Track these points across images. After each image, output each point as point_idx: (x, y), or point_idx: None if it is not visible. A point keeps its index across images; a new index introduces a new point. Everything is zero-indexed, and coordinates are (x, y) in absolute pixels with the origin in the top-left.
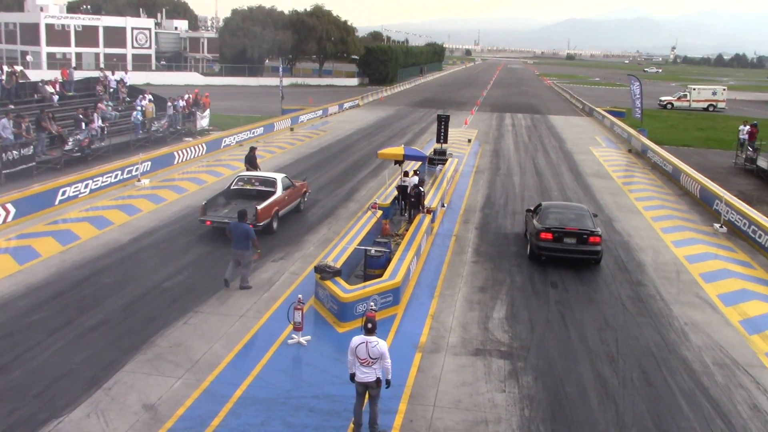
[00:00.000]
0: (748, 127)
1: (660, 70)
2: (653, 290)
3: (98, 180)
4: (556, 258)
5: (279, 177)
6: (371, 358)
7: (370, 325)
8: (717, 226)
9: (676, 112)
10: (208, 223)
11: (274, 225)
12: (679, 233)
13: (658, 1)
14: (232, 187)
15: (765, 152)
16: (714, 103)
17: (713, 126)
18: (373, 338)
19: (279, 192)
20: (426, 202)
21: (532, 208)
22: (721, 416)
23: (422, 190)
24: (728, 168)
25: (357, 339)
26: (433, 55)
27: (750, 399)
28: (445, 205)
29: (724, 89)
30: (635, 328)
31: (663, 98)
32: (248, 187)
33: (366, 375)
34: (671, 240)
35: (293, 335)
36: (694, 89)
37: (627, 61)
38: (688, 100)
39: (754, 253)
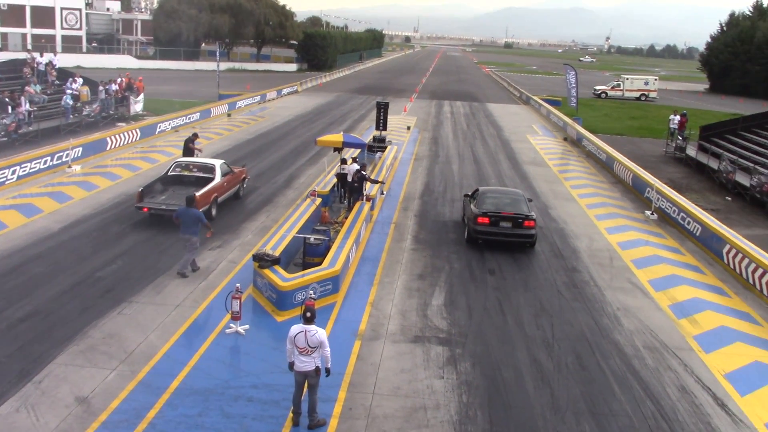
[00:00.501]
0: (678, 116)
1: (594, 60)
2: (587, 276)
3: (26, 166)
4: (492, 241)
5: (217, 163)
6: (310, 346)
7: (309, 314)
8: (648, 213)
9: (610, 101)
10: (145, 210)
11: (213, 212)
12: (613, 220)
13: None
14: (169, 174)
15: (694, 141)
16: (646, 93)
17: (645, 115)
18: (312, 327)
19: (218, 178)
20: (367, 187)
21: (469, 194)
22: (651, 398)
23: (365, 174)
24: (659, 156)
25: (296, 328)
26: (372, 41)
27: (678, 381)
28: (385, 192)
29: (656, 79)
30: (570, 313)
31: (597, 87)
32: (186, 174)
33: (305, 364)
34: (605, 227)
35: (231, 324)
36: (627, 79)
37: (560, 51)
38: (621, 90)
39: (682, 240)
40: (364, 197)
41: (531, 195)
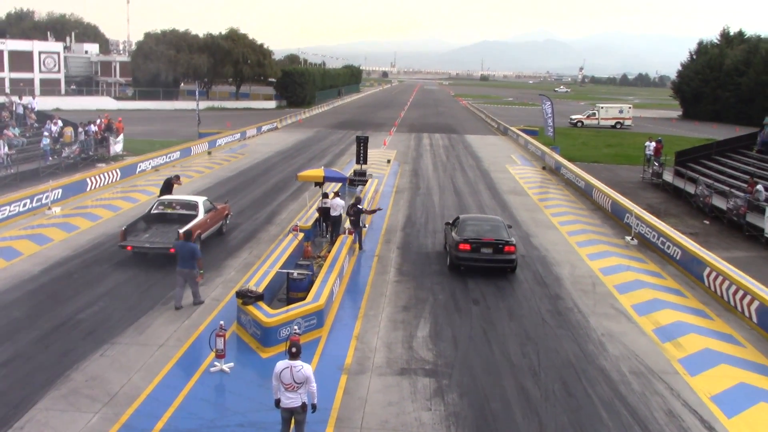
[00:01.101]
0: (653, 143)
1: (569, 90)
2: (571, 303)
3: (5, 209)
4: (474, 267)
5: (200, 200)
6: (296, 382)
7: (294, 349)
8: (628, 238)
9: (586, 129)
10: (129, 248)
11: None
12: (594, 247)
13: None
14: (152, 212)
15: (670, 167)
16: (621, 121)
17: (621, 143)
18: (298, 362)
19: (201, 215)
20: (347, 224)
21: (450, 222)
22: (638, 423)
23: (361, 208)
24: (637, 182)
25: (281, 364)
26: (350, 77)
27: (665, 405)
28: (366, 225)
29: (630, 107)
30: (555, 340)
31: (573, 117)
32: (169, 211)
33: (291, 400)
34: (586, 253)
35: (216, 363)
36: (602, 108)
37: (531, 82)
38: (597, 119)
39: (663, 264)
40: (346, 231)
41: (512, 224)
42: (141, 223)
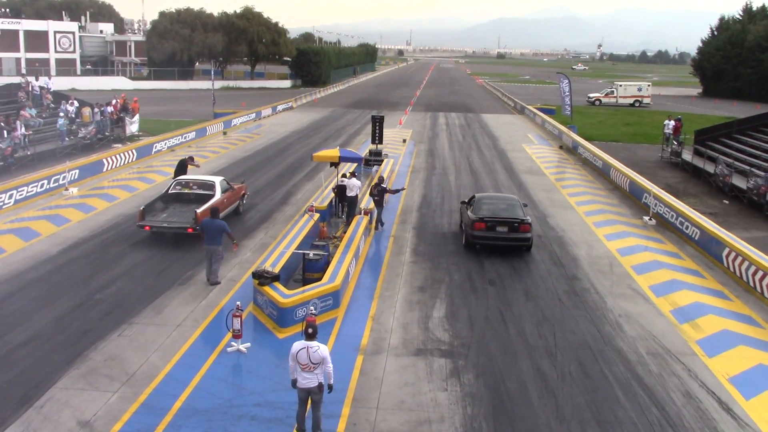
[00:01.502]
0: (672, 121)
1: (587, 68)
2: (588, 284)
3: (23, 190)
4: (489, 246)
5: (217, 180)
6: (312, 363)
7: (310, 330)
8: (646, 218)
9: (604, 108)
10: (147, 228)
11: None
12: (611, 227)
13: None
14: (170, 191)
15: (689, 145)
16: (640, 99)
17: (640, 121)
18: (314, 343)
19: (218, 195)
20: (363, 204)
21: (466, 200)
22: (656, 404)
23: (385, 187)
24: (655, 162)
25: (298, 344)
26: (365, 55)
27: (683, 386)
28: (384, 205)
29: (649, 85)
30: (572, 321)
31: (591, 95)
32: (186, 191)
33: (308, 380)
34: (603, 234)
35: (232, 343)
36: (621, 86)
37: (545, 59)
38: (615, 97)
39: (681, 244)
40: (362, 211)
41: (528, 204)
42: (159, 203)
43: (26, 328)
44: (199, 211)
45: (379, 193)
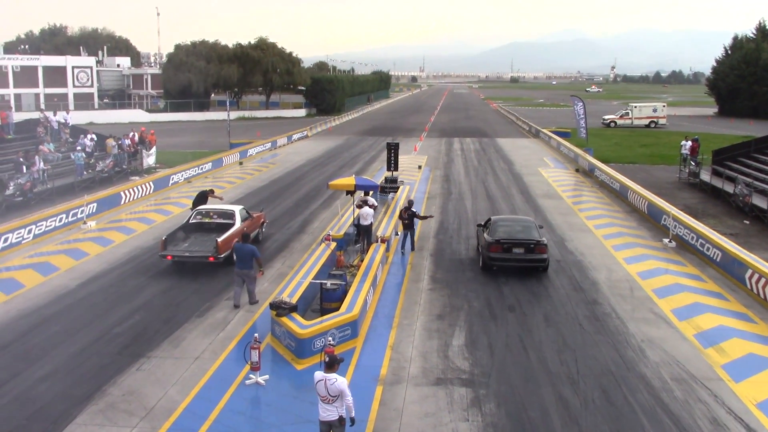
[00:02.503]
0: (689, 142)
1: (601, 90)
2: (609, 308)
3: (42, 224)
4: (506, 267)
5: (237, 209)
6: (330, 395)
7: (327, 359)
8: (666, 240)
9: (620, 129)
10: (169, 258)
11: (234, 256)
12: (630, 250)
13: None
14: (190, 221)
15: (707, 166)
16: (655, 120)
17: (656, 142)
18: (333, 375)
19: (238, 223)
20: (379, 232)
21: (482, 223)
22: (682, 431)
23: (415, 211)
24: (673, 183)
25: (318, 375)
26: (379, 83)
27: (709, 413)
28: (399, 233)
29: (664, 106)
30: (593, 347)
31: (606, 117)
32: (207, 221)
33: (328, 413)
34: (623, 257)
35: (251, 375)
36: (636, 107)
37: (554, 82)
38: (630, 118)
39: (703, 266)
40: (379, 239)
41: (546, 228)
42: (180, 233)
43: (45, 363)
44: (220, 239)
45: (409, 216)
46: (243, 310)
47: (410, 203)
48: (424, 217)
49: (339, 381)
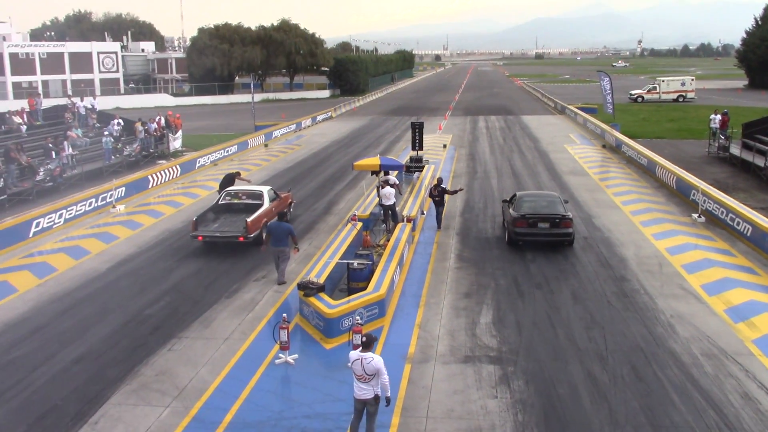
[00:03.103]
0: (719, 115)
1: (628, 64)
2: (637, 284)
3: (72, 209)
4: (532, 242)
5: (265, 189)
6: (367, 374)
7: (364, 339)
8: (695, 216)
9: (647, 104)
10: (200, 238)
11: (264, 236)
12: (659, 226)
13: None
14: (220, 202)
15: (737, 139)
16: (683, 94)
17: (684, 116)
18: (369, 354)
19: (266, 204)
20: (405, 211)
21: (507, 199)
22: (713, 407)
23: (445, 187)
24: (702, 157)
25: (353, 354)
26: (402, 62)
27: (740, 387)
28: (425, 212)
29: (693, 79)
30: (622, 323)
31: (633, 92)
32: (236, 201)
33: (364, 392)
34: (651, 233)
35: (280, 355)
36: (663, 81)
37: (579, 58)
38: (657, 93)
39: (733, 241)
40: (405, 218)
41: (573, 205)
42: (210, 214)
43: (79, 345)
44: (249, 219)
45: (439, 193)
46: (272, 290)
47: (440, 180)
48: (455, 191)
49: (376, 360)
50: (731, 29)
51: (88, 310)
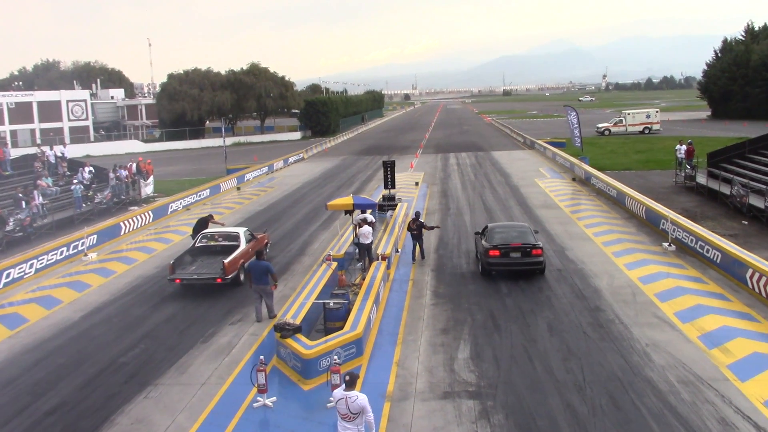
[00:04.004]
0: (684, 146)
1: (594, 99)
2: (612, 314)
3: (43, 258)
4: (505, 271)
5: (241, 231)
6: (352, 413)
7: (347, 378)
8: (666, 245)
9: (614, 137)
10: (178, 281)
11: (241, 277)
12: (631, 256)
13: (584, 32)
14: (196, 245)
15: (702, 168)
16: (649, 126)
17: (651, 148)
18: (354, 392)
19: (243, 245)
20: (380, 250)
21: (480, 231)
22: None
23: (423, 222)
24: (670, 187)
25: (338, 393)
26: (372, 102)
27: (717, 413)
28: (399, 250)
29: (657, 111)
30: (599, 354)
31: (600, 125)
32: (212, 243)
33: (348, 431)
34: (624, 263)
35: (258, 398)
36: (629, 114)
37: (548, 93)
38: (624, 125)
39: (704, 268)
40: (380, 257)
41: (546, 238)
42: (187, 257)
43: (52, 396)
44: (226, 261)
45: (417, 227)
46: (248, 333)
47: (417, 214)
48: (432, 227)
49: (360, 398)
50: (692, 62)
51: (61, 360)
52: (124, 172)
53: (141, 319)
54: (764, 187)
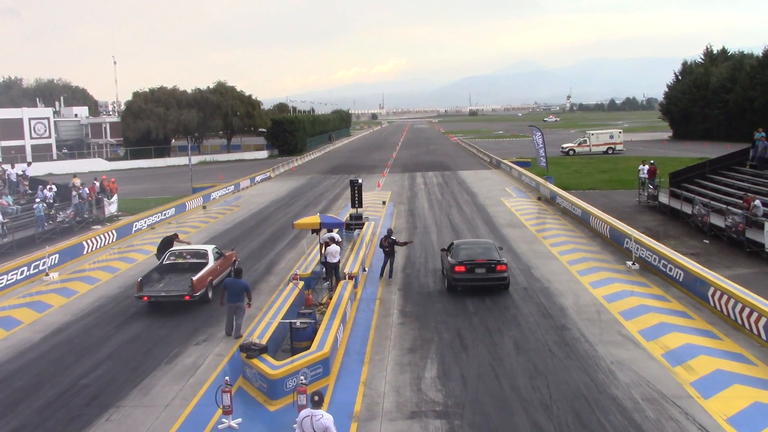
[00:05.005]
0: (646, 166)
1: (558, 119)
2: (577, 333)
3: (3, 278)
4: (470, 287)
5: (209, 248)
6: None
7: (316, 398)
8: (629, 263)
9: (579, 157)
10: (146, 298)
11: (210, 294)
12: (595, 274)
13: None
14: (164, 263)
15: (665, 188)
16: (613, 146)
17: (614, 168)
18: (319, 411)
19: (211, 262)
20: (347, 269)
21: (445, 247)
22: None
23: (395, 239)
24: (633, 206)
25: (304, 412)
26: (340, 121)
27: (681, 430)
28: (366, 269)
29: (620, 132)
30: (564, 372)
31: (565, 145)
32: (180, 261)
33: None
34: (589, 282)
35: (223, 420)
36: (593, 134)
37: (520, 114)
38: (588, 145)
39: (667, 287)
40: (347, 276)
41: (512, 256)
42: (155, 274)
43: (11, 420)
44: (195, 278)
45: (389, 244)
46: (213, 354)
47: (390, 232)
48: (404, 243)
49: (325, 417)
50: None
51: (20, 382)
52: (86, 191)
53: (104, 339)
54: (724, 206)
